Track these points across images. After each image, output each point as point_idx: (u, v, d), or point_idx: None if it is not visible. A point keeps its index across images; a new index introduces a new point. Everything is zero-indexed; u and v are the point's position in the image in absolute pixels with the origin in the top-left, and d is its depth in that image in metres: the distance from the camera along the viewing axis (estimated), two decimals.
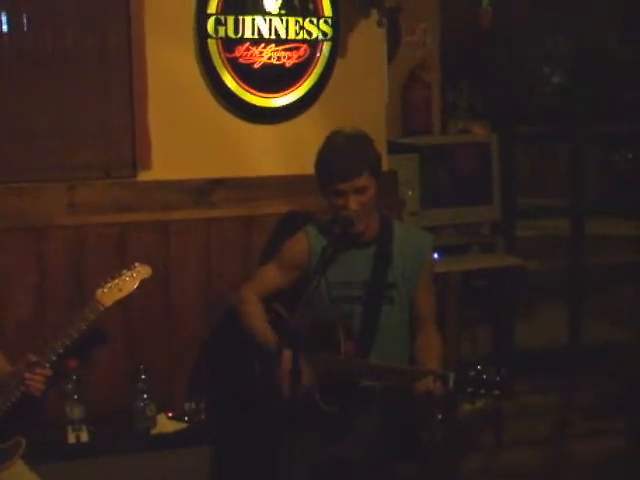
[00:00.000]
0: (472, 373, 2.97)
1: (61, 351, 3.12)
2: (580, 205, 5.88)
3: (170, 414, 3.71)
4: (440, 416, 3.62)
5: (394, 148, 4.32)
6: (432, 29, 5.04)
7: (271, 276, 3.48)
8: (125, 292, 3.30)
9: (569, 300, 5.92)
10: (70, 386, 3.50)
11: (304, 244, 3.43)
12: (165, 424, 3.66)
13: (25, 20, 3.63)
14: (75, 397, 3.51)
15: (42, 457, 3.21)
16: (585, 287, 5.88)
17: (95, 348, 3.67)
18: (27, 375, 3.01)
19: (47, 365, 3.06)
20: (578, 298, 5.91)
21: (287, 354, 3.10)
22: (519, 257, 4.84)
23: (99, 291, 3.26)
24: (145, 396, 3.58)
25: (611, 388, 5.14)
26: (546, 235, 6.99)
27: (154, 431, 3.61)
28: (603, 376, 5.26)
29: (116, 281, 3.29)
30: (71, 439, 3.48)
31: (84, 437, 3.49)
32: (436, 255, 4.30)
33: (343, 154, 3.24)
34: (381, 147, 3.80)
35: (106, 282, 3.28)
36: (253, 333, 3.39)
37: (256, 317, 3.42)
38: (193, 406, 3.71)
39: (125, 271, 3.33)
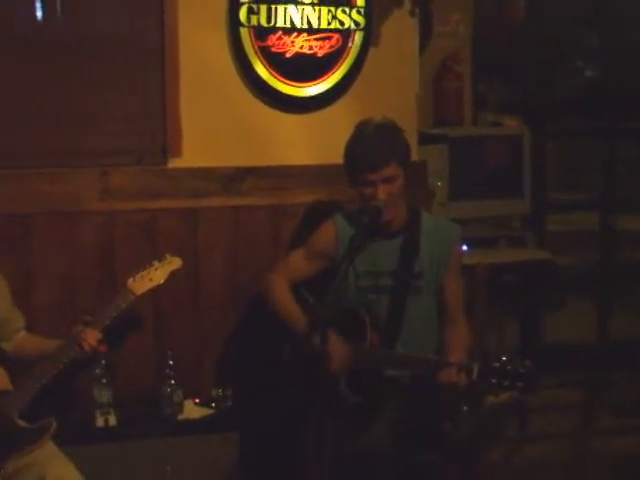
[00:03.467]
0: (496, 365, 2.99)
1: None
2: (611, 200, 5.83)
3: (197, 400, 3.74)
4: (465, 407, 3.62)
5: (425, 139, 4.31)
6: (465, 20, 5.01)
7: (298, 263, 3.49)
8: (155, 282, 3.36)
9: (599, 295, 5.87)
10: (99, 371, 3.53)
11: (332, 233, 3.44)
12: (192, 410, 3.68)
13: (59, 7, 3.67)
14: (104, 381, 3.54)
15: (71, 439, 3.24)
16: (615, 283, 5.83)
17: (124, 334, 3.70)
18: (81, 331, 3.09)
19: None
20: (608, 293, 5.86)
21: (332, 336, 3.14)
22: (549, 251, 4.81)
23: (130, 280, 3.31)
24: (172, 382, 3.62)
25: (639, 385, 5.12)
26: (577, 230, 6.93)
27: (181, 417, 3.63)
28: (631, 373, 5.22)
29: (147, 271, 3.35)
30: (99, 422, 3.52)
31: (112, 421, 3.53)
32: (465, 247, 4.29)
33: (372, 144, 3.25)
34: (411, 137, 3.79)
35: (137, 272, 3.34)
36: (284, 316, 3.40)
37: (287, 301, 3.43)
38: (220, 392, 3.73)
39: (156, 262, 3.39)
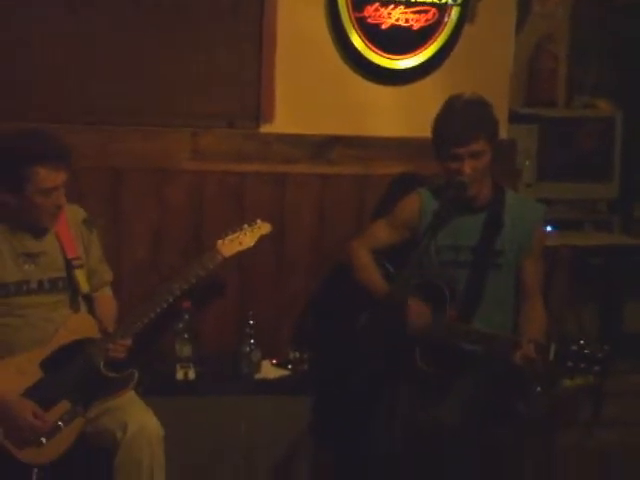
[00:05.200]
0: (574, 347, 2.98)
1: (178, 294, 3.23)
2: None
3: (274, 361, 3.80)
4: (539, 389, 3.62)
5: (515, 118, 4.29)
6: (564, 0, 4.95)
7: (381, 233, 3.53)
8: (244, 246, 3.40)
9: None
10: (181, 325, 3.61)
11: (416, 205, 3.46)
12: (269, 370, 3.74)
13: None
14: (185, 336, 3.61)
15: (151, 390, 3.34)
16: None
17: (208, 292, 3.77)
18: (110, 346, 3.13)
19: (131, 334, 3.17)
20: None
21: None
22: (635, 237, 4.75)
23: (219, 242, 3.35)
24: (252, 341, 3.67)
25: None
26: None
27: (258, 376, 3.69)
28: None
29: (237, 234, 3.39)
30: (179, 376, 3.59)
31: (191, 375, 3.60)
32: (549, 228, 4.27)
33: (461, 118, 3.26)
34: (502, 115, 3.80)
35: (227, 234, 3.38)
36: (366, 282, 3.45)
37: (369, 267, 3.48)
38: (297, 355, 3.78)
39: (246, 225, 3.43)
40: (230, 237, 3.37)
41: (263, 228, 3.46)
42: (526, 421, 3.48)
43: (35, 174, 3.01)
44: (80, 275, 3.21)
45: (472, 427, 3.16)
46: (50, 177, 3.03)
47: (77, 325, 3.17)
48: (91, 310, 3.26)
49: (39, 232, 3.17)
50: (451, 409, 3.16)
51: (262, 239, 3.46)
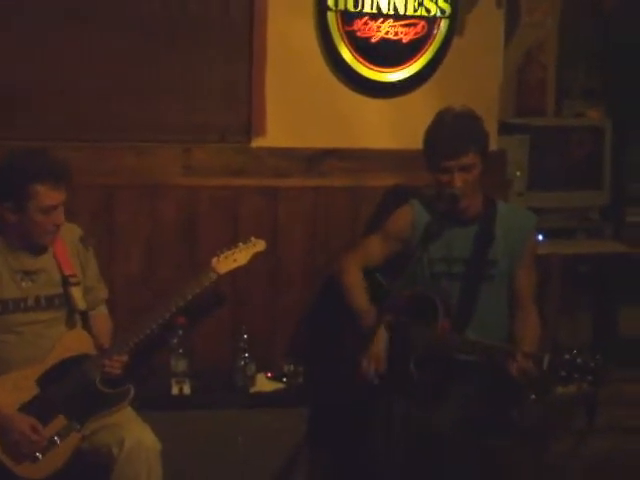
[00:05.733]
0: (567, 357, 3.00)
1: (174, 310, 3.27)
2: None
3: (269, 374, 3.80)
4: (533, 396, 3.64)
5: (506, 128, 4.32)
6: (553, 9, 4.98)
7: (373, 247, 3.55)
8: (239, 263, 3.46)
9: None
10: (176, 341, 3.62)
11: (409, 217, 3.48)
12: (264, 383, 3.74)
13: None
14: (180, 351, 3.62)
15: (147, 405, 3.34)
16: None
17: (202, 307, 3.77)
18: (106, 362, 3.15)
19: (129, 348, 3.20)
20: None
21: (381, 334, 3.20)
22: (627, 244, 4.77)
23: (214, 259, 3.41)
24: (246, 355, 3.68)
25: None
26: None
27: (253, 389, 3.69)
28: None
29: (231, 251, 3.45)
30: (175, 391, 3.60)
31: (186, 390, 3.61)
32: (540, 237, 4.29)
33: (451, 131, 3.29)
34: (492, 126, 3.83)
35: (222, 252, 3.44)
36: (350, 304, 3.47)
37: (357, 288, 3.49)
38: (292, 368, 3.78)
39: (241, 243, 3.49)
40: (225, 254, 3.43)
41: (258, 245, 3.52)
42: (520, 429, 3.49)
43: (36, 192, 3.05)
44: (76, 292, 3.23)
45: (467, 436, 3.17)
46: (51, 196, 3.07)
47: (73, 342, 3.20)
48: (87, 327, 3.27)
49: (37, 250, 3.20)
50: (445, 418, 3.17)
51: (257, 256, 3.50)
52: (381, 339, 3.27)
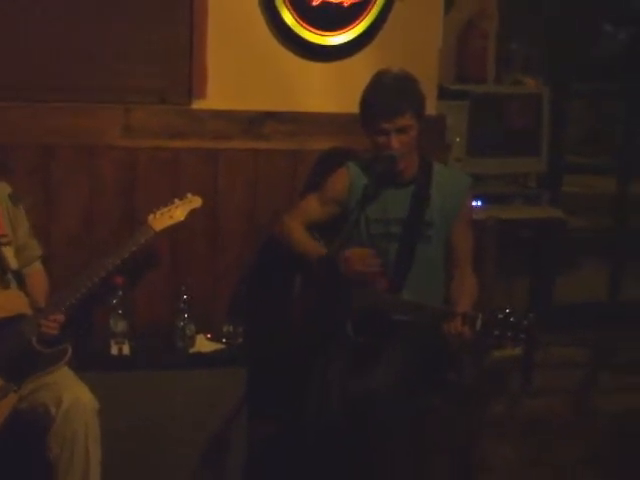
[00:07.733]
0: (500, 316, 3.05)
1: (111, 269, 3.25)
2: (629, 165, 5.86)
3: (209, 335, 3.81)
4: (469, 358, 3.70)
5: (446, 94, 4.35)
6: None
7: (311, 208, 3.57)
8: (175, 219, 3.44)
9: (611, 258, 5.92)
10: (115, 301, 3.60)
11: (345, 180, 3.51)
12: (203, 344, 3.75)
13: None
14: (119, 312, 3.60)
15: (86, 366, 3.33)
16: (627, 246, 5.87)
17: (141, 267, 3.78)
18: (42, 322, 3.12)
19: (63, 310, 3.16)
20: (619, 257, 5.91)
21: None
22: (563, 210, 4.85)
23: (151, 216, 3.39)
24: (186, 316, 3.68)
25: None
26: (592, 193, 6.97)
27: (192, 350, 3.70)
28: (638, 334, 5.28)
29: (168, 208, 3.43)
30: (114, 351, 3.58)
31: (126, 350, 3.59)
32: (479, 203, 4.36)
33: (388, 93, 3.30)
34: (432, 91, 3.87)
35: (158, 208, 3.42)
36: (304, 251, 3.47)
37: (305, 238, 3.51)
38: (231, 329, 3.79)
39: (177, 200, 3.47)
40: (161, 211, 3.42)
41: (194, 202, 3.50)
42: (457, 389, 3.55)
43: None
44: (8, 252, 3.19)
45: (403, 396, 3.20)
46: None
47: (7, 302, 3.16)
48: (22, 287, 3.24)
49: None
50: (382, 378, 3.19)
51: (193, 213, 3.50)
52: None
